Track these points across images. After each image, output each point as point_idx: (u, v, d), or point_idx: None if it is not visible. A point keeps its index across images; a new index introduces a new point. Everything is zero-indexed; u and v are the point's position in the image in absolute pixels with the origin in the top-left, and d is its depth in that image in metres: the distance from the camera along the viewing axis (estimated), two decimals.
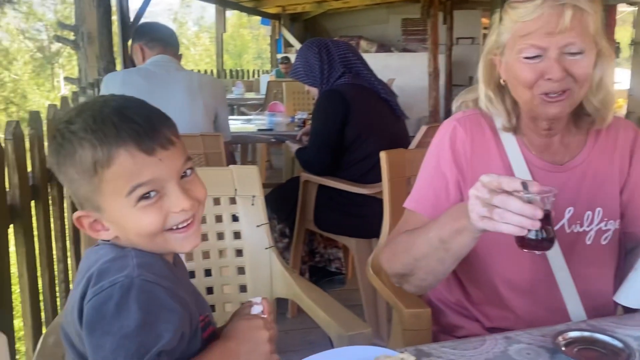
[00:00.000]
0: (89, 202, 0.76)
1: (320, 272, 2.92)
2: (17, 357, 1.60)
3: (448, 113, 1.33)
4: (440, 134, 1.16)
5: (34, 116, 1.84)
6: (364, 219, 2.33)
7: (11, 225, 1.51)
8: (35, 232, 1.77)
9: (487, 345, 0.87)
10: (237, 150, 4.89)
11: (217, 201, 1.45)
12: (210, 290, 1.45)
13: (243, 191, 1.46)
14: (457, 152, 1.11)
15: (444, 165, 1.12)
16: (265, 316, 0.86)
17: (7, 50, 15.42)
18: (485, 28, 8.24)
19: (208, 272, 1.45)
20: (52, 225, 1.97)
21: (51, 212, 1.97)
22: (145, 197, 0.74)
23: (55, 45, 15.22)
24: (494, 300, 1.15)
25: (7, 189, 1.51)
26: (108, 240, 0.81)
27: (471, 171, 1.11)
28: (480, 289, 1.16)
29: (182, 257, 1.41)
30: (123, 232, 0.77)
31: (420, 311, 1.20)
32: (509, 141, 1.12)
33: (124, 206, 0.74)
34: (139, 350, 0.68)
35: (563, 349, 0.83)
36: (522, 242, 0.85)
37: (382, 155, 1.61)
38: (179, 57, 2.47)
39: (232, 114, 5.41)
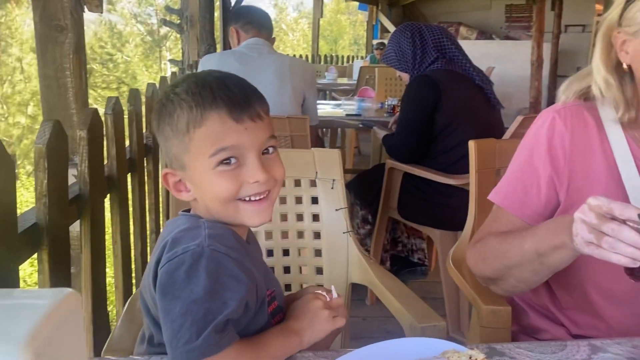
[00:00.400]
0: (177, 160, 0.80)
1: (402, 261, 2.88)
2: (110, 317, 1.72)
3: (551, 105, 1.21)
4: (536, 126, 1.07)
5: (133, 93, 1.95)
6: (450, 211, 2.26)
7: (108, 195, 1.61)
8: (131, 204, 1.87)
9: (567, 351, 0.80)
10: (328, 135, 4.92)
11: (297, 183, 1.46)
12: (287, 270, 1.47)
13: (324, 174, 1.45)
14: (554, 147, 1.01)
15: (538, 160, 1.03)
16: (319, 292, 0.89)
17: (121, 33, 16.52)
18: (599, 14, 7.64)
19: (286, 252, 1.47)
20: (146, 197, 2.08)
21: (146, 185, 2.08)
22: (225, 162, 0.77)
23: (164, 29, 16.09)
24: (585, 307, 1.06)
25: (106, 162, 1.61)
26: (188, 211, 0.86)
27: (568, 169, 1.01)
28: (570, 295, 1.08)
29: (262, 235, 1.46)
30: (201, 194, 0.81)
31: (499, 309, 1.14)
32: (616, 135, 0.99)
33: (205, 167, 0.77)
34: (206, 317, 0.70)
35: None
36: (632, 272, 0.79)
37: (471, 144, 1.54)
38: (272, 40, 2.51)
39: (324, 99, 5.44)
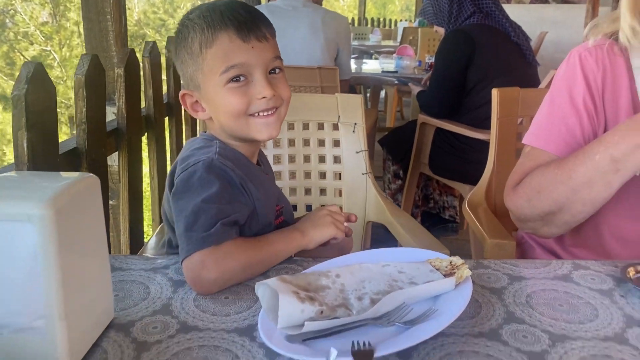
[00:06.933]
0: (192, 81, 0.89)
1: (434, 218, 2.92)
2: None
3: None
4: (568, 65, 1.04)
5: (171, 40, 2.03)
6: (481, 166, 2.23)
7: (146, 134, 1.71)
8: (168, 145, 1.98)
9: (551, 267, 0.85)
10: (369, 97, 4.90)
11: (321, 126, 1.53)
12: (309, 208, 1.55)
13: (346, 118, 1.51)
14: (589, 84, 1.00)
15: (578, 99, 1.00)
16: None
17: None
18: None
19: (308, 191, 1.55)
20: (184, 140, 2.19)
21: (183, 129, 2.18)
22: (235, 79, 0.85)
23: None
24: (593, 246, 1.06)
25: (144, 104, 1.71)
26: (204, 132, 0.94)
27: (601, 106, 0.99)
28: (579, 232, 1.06)
29: (286, 175, 1.54)
30: (214, 111, 0.89)
31: (504, 242, 1.18)
32: None
33: (216, 85, 0.86)
34: (218, 215, 0.78)
35: (630, 277, 0.78)
36: None
37: (494, 92, 1.57)
38: None
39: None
